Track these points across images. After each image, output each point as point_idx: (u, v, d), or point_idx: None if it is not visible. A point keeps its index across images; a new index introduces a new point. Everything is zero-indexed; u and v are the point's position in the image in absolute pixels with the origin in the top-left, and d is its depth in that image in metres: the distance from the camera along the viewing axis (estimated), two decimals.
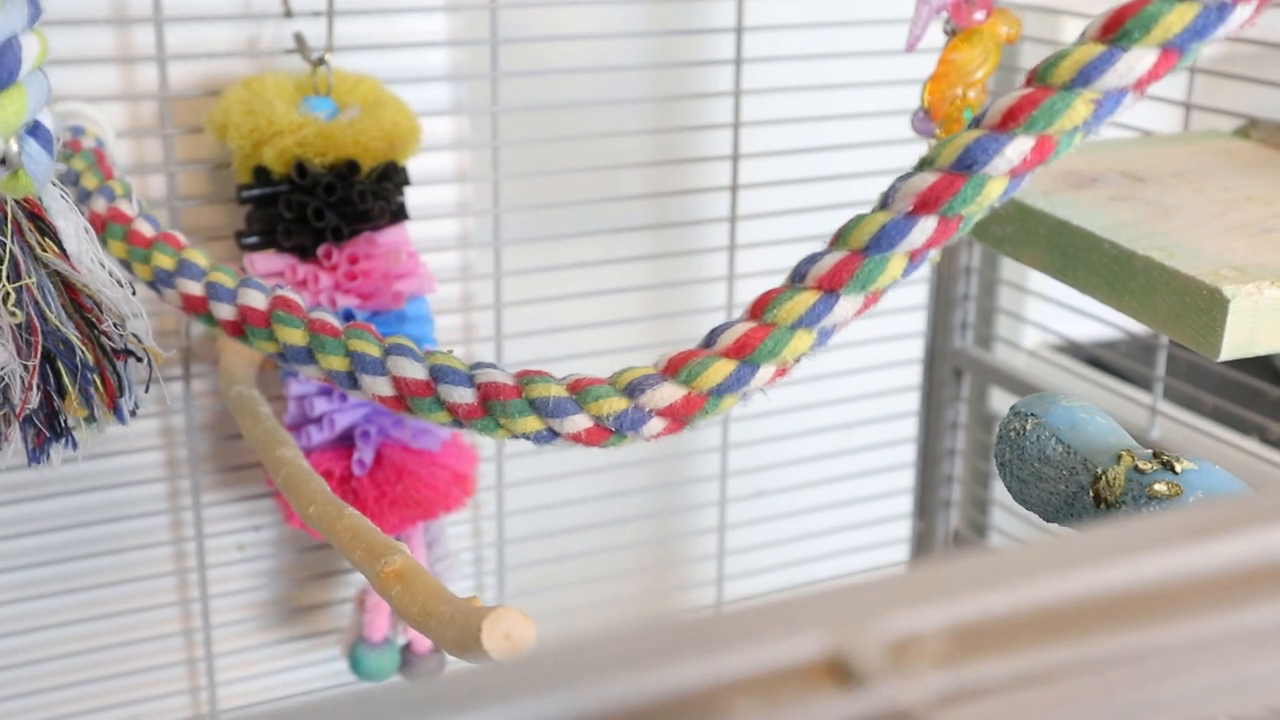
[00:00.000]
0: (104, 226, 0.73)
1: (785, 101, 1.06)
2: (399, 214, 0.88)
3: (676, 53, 1.06)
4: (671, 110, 1.07)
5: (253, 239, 0.86)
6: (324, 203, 0.84)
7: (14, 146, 0.51)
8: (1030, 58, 1.11)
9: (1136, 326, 1.14)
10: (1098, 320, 1.07)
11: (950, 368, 1.18)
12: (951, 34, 0.82)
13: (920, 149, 0.96)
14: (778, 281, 0.60)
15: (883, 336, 1.12)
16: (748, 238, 1.05)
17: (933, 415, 1.20)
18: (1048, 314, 1.18)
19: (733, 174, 1.03)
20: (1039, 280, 1.16)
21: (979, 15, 0.80)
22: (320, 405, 0.87)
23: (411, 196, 0.89)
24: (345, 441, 0.88)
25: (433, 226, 0.96)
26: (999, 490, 1.22)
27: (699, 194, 1.07)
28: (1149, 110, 0.79)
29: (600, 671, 0.24)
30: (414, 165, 0.89)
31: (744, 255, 1.05)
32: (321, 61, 0.87)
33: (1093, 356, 1.22)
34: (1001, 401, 1.21)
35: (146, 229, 0.73)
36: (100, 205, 0.75)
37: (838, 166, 1.06)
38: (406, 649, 0.95)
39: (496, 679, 0.24)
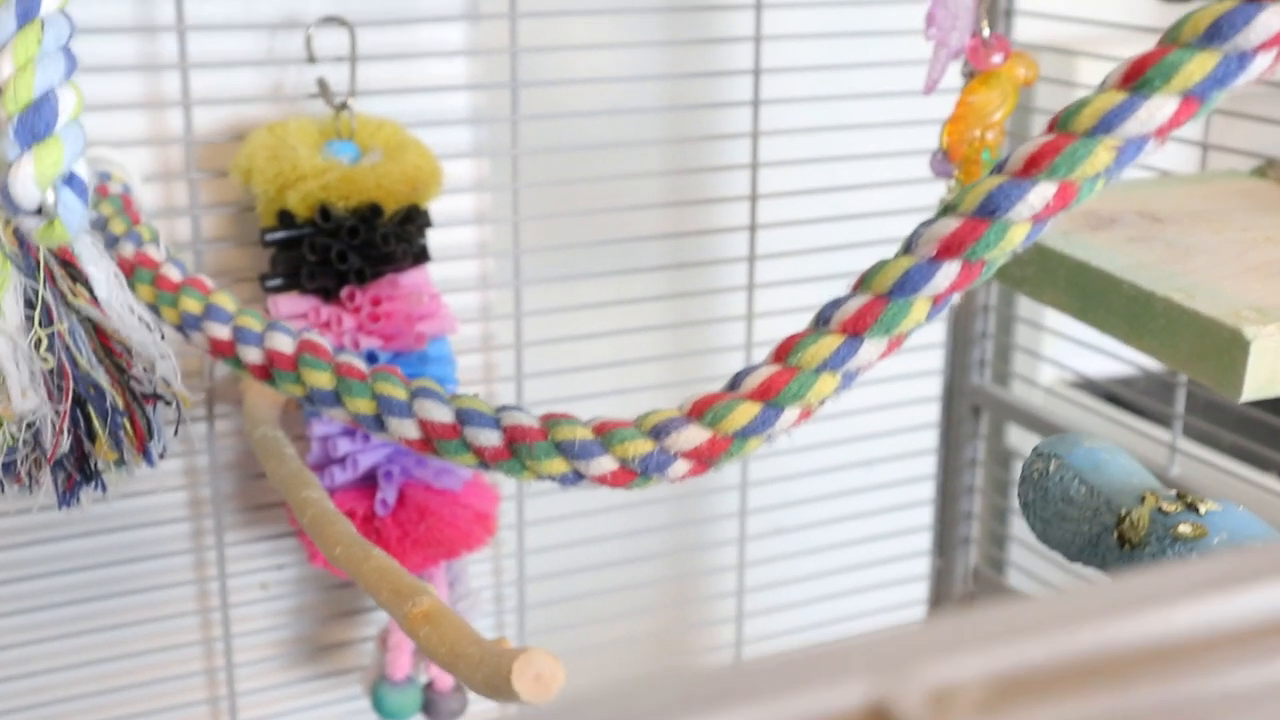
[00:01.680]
0: (132, 271, 0.74)
1: (803, 142, 1.07)
2: (421, 256, 0.88)
3: (694, 95, 1.07)
4: (690, 151, 1.08)
5: (277, 281, 0.87)
6: (347, 245, 0.85)
7: (50, 197, 0.52)
8: (1046, 99, 1.12)
9: (1153, 363, 1.14)
10: (1114, 358, 1.07)
11: (968, 405, 1.18)
12: (970, 76, 0.83)
13: (938, 189, 0.97)
14: (798, 320, 0.60)
15: (901, 374, 1.13)
16: (766, 277, 1.06)
17: (951, 452, 1.20)
18: (1065, 351, 1.19)
19: (751, 214, 1.04)
20: (1056, 318, 1.17)
21: (997, 58, 0.81)
22: (344, 446, 0.87)
23: (432, 238, 0.90)
24: (368, 481, 0.89)
25: (453, 267, 0.97)
26: (1018, 527, 1.22)
27: (717, 234, 1.08)
28: (1166, 150, 0.80)
29: (644, 718, 0.25)
30: (435, 207, 0.90)
31: (762, 294, 1.06)
32: (344, 106, 0.88)
33: (1110, 393, 1.22)
34: (1019, 438, 1.21)
35: (174, 273, 0.73)
36: (128, 250, 0.75)
37: (856, 206, 1.06)
38: (429, 688, 0.96)
39: None
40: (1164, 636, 0.27)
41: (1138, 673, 0.27)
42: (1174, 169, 0.97)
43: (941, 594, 1.24)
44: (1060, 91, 1.10)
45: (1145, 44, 0.51)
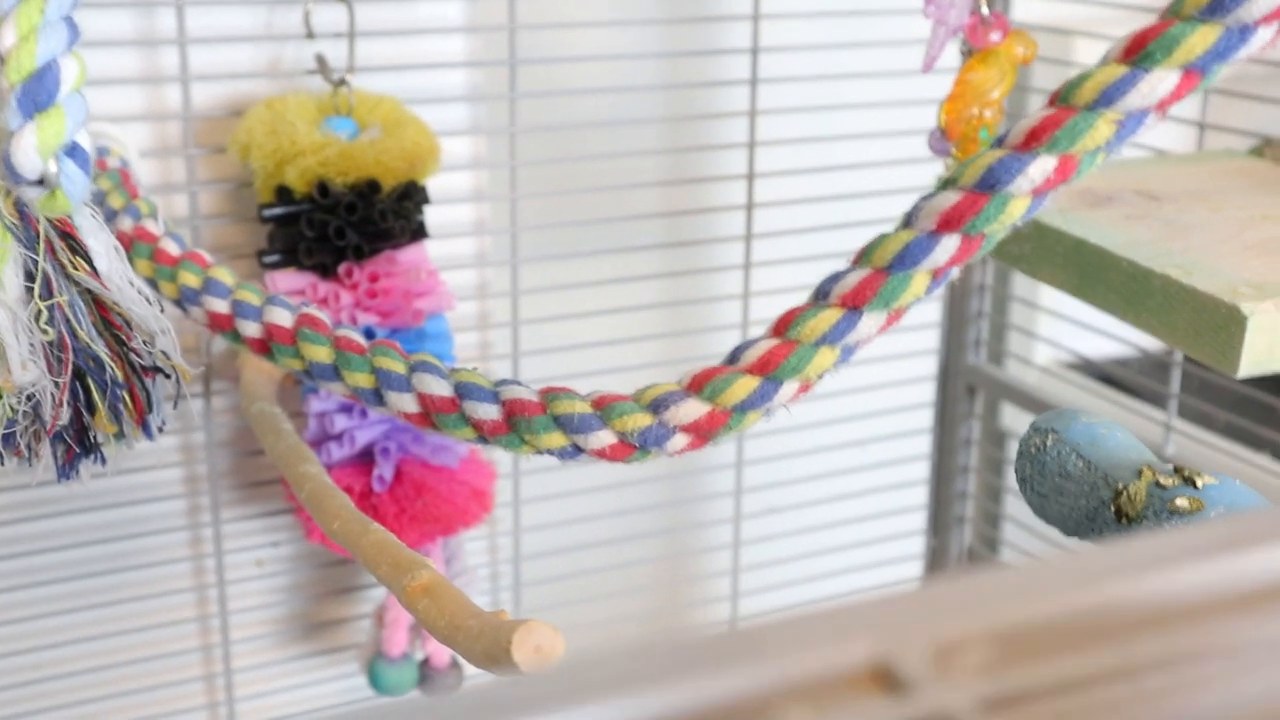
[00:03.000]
0: (130, 245, 0.74)
1: (800, 121, 1.07)
2: (419, 232, 0.88)
3: (692, 73, 1.07)
4: (687, 130, 1.08)
5: (274, 257, 0.87)
6: (345, 221, 0.85)
7: (52, 167, 0.52)
8: (1042, 78, 1.12)
9: (1149, 343, 1.15)
10: (1110, 337, 1.07)
11: (964, 384, 1.18)
12: (968, 55, 0.83)
13: (935, 168, 0.97)
14: (793, 299, 0.61)
15: (897, 354, 1.13)
16: (763, 256, 1.06)
17: (946, 432, 1.21)
18: (1060, 330, 1.19)
19: (748, 193, 1.04)
20: (1051, 297, 1.17)
21: (995, 36, 0.81)
22: (340, 422, 0.88)
23: (429, 215, 0.90)
24: (365, 458, 0.89)
25: (450, 245, 0.97)
26: (1012, 505, 1.22)
27: (714, 213, 1.08)
28: (1163, 129, 0.80)
29: (652, 681, 0.25)
30: (432, 184, 0.90)
31: (759, 273, 1.06)
32: (343, 82, 0.88)
33: (1105, 373, 1.22)
34: (1013, 418, 1.22)
35: (172, 247, 0.73)
36: (127, 224, 0.75)
37: (853, 185, 1.06)
38: (425, 664, 0.96)
39: (544, 689, 0.25)
40: (1163, 598, 0.27)
41: (1138, 632, 0.27)
42: (1171, 148, 0.97)
43: (936, 573, 1.24)
44: (1057, 71, 1.09)
45: (1143, 23, 0.51)
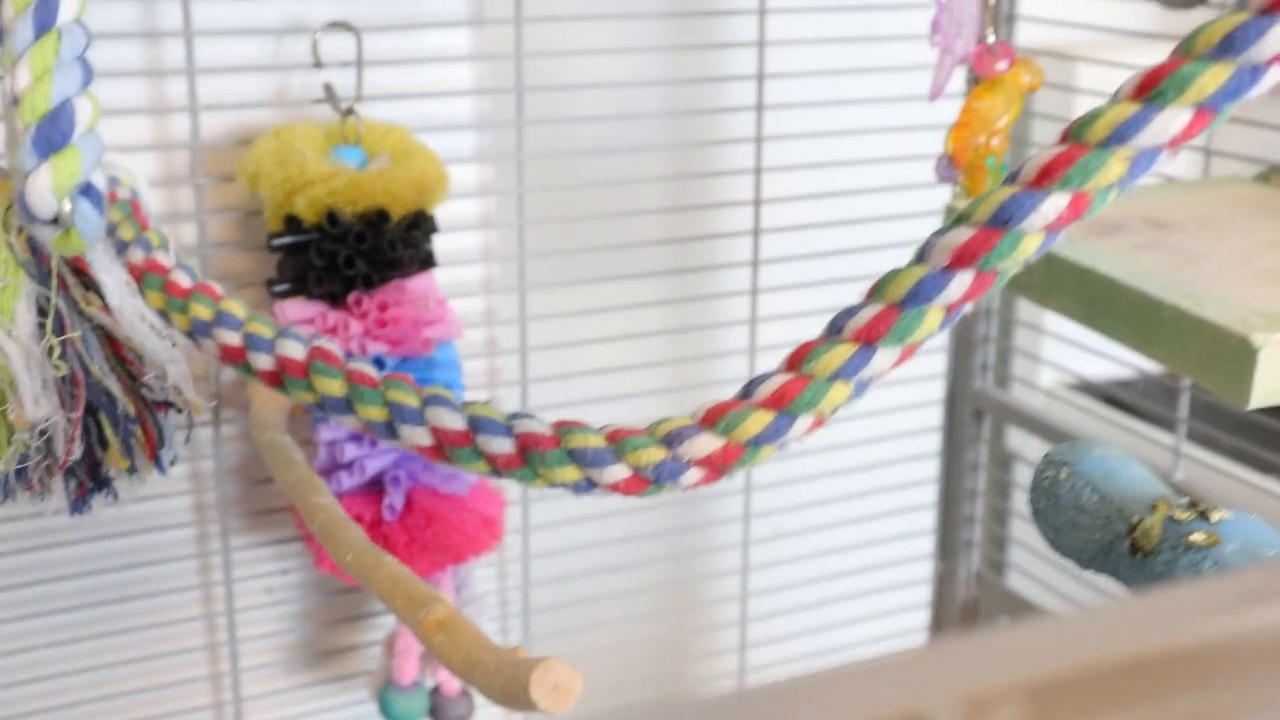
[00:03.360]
0: (141, 277, 0.74)
1: (806, 147, 1.07)
2: (427, 261, 0.89)
3: (698, 99, 1.07)
4: (694, 156, 1.08)
5: (283, 286, 0.87)
6: (354, 251, 0.85)
7: (67, 207, 0.53)
8: (1045, 104, 1.12)
9: (1154, 366, 1.15)
10: (1115, 360, 1.08)
11: (971, 409, 1.19)
12: (974, 83, 0.83)
13: (940, 194, 0.97)
14: (800, 325, 0.61)
15: (904, 379, 1.13)
16: (770, 282, 1.06)
17: (953, 456, 1.21)
18: (1065, 354, 1.19)
19: (755, 218, 1.04)
20: (1055, 320, 1.17)
21: (1001, 65, 0.81)
22: (351, 450, 0.88)
23: (437, 243, 0.90)
24: (375, 486, 0.89)
25: (458, 272, 0.97)
26: (1018, 529, 1.22)
27: (721, 239, 1.08)
28: None
29: None
30: (439, 211, 0.90)
31: (766, 299, 1.06)
32: (351, 111, 0.88)
33: (1110, 395, 1.22)
34: (1019, 441, 1.22)
35: (184, 279, 0.73)
36: (137, 256, 0.75)
37: (860, 211, 1.07)
38: (435, 692, 0.96)
39: None
40: (1199, 649, 0.27)
41: (1172, 686, 0.27)
42: (1177, 175, 0.97)
43: (944, 598, 1.24)
44: (1060, 97, 1.10)
45: (1145, 50, 0.51)
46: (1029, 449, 1.20)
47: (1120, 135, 0.49)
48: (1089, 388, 1.24)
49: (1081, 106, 0.73)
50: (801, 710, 0.25)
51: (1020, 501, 1.22)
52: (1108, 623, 0.28)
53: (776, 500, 1.14)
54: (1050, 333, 1.19)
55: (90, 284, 0.64)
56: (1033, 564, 1.20)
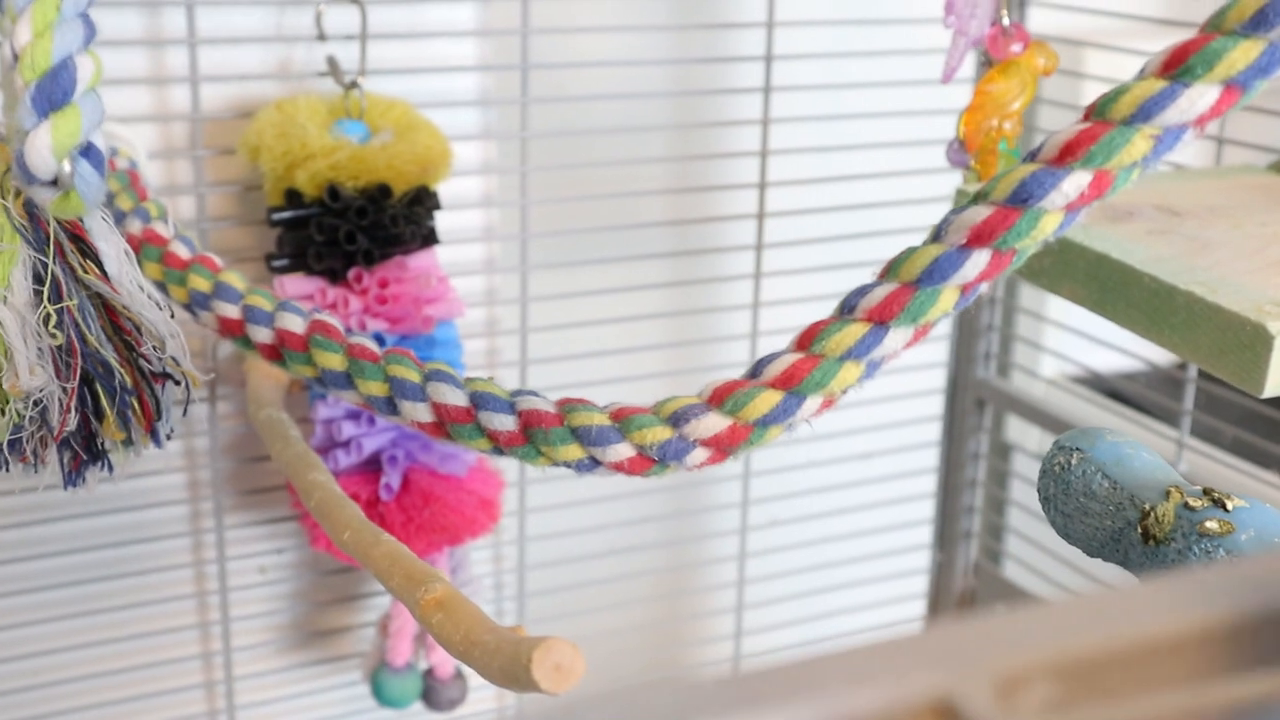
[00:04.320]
0: (139, 248, 0.73)
1: (813, 130, 1.06)
2: (429, 238, 0.87)
3: (705, 80, 1.06)
4: (699, 137, 1.07)
5: (283, 261, 0.86)
6: (355, 226, 0.84)
7: (66, 167, 0.51)
8: (1052, 89, 1.11)
9: (1156, 357, 1.14)
10: (1117, 350, 1.07)
11: (973, 398, 1.18)
12: (987, 66, 0.82)
13: (951, 179, 0.96)
14: (803, 309, 0.60)
15: (906, 366, 1.12)
16: (774, 265, 1.05)
17: (954, 446, 1.20)
18: (1067, 343, 1.18)
19: (759, 202, 1.03)
20: (1058, 309, 1.16)
21: (1016, 47, 0.80)
22: (348, 429, 0.86)
23: (439, 220, 0.89)
24: (372, 466, 0.88)
25: (459, 251, 0.96)
26: (1016, 519, 1.21)
27: (725, 221, 1.07)
28: (1181, 144, 0.79)
29: (710, 714, 0.24)
30: (442, 189, 0.89)
31: (770, 283, 1.05)
32: (354, 85, 0.87)
33: (1112, 387, 1.21)
34: (1019, 431, 1.21)
35: (183, 251, 0.72)
36: (136, 227, 0.74)
37: (866, 195, 1.06)
38: (429, 674, 0.95)
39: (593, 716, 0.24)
40: (1230, 631, 0.26)
41: (1202, 668, 0.26)
42: (1190, 163, 0.96)
43: (942, 587, 1.23)
44: (1068, 82, 1.09)
45: (1153, 36, 0.50)
46: (1028, 439, 1.20)
47: (1145, 112, 0.48)
48: (1091, 379, 1.23)
49: (1090, 93, 0.72)
50: (829, 689, 0.24)
51: (1019, 492, 1.21)
52: (1139, 603, 0.27)
53: (774, 487, 1.13)
54: (1053, 321, 1.18)
55: (88, 251, 0.62)
56: (1031, 554, 1.19)
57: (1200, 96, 0.47)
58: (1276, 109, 0.91)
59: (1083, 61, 1.12)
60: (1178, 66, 0.48)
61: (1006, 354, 1.20)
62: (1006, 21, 0.79)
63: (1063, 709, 0.25)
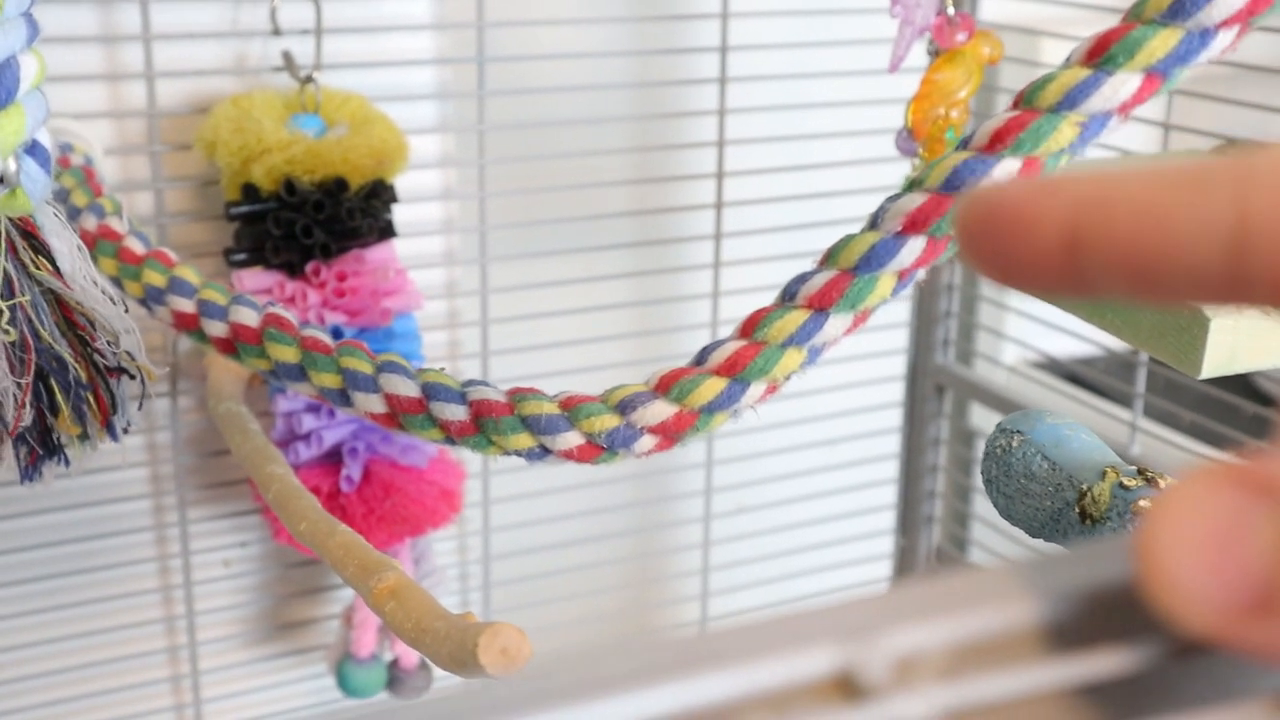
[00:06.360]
0: (94, 244, 0.73)
1: (769, 120, 1.07)
2: (387, 231, 0.88)
3: (661, 71, 1.06)
4: (657, 128, 1.08)
5: (241, 256, 0.87)
6: (312, 220, 0.85)
7: (12, 165, 0.52)
8: (1009, 78, 1.12)
9: (1114, 343, 1.15)
10: (1076, 337, 1.08)
11: (932, 384, 1.19)
12: (934, 55, 0.83)
13: (903, 168, 0.97)
14: (763, 298, 0.61)
15: (865, 353, 1.13)
16: (732, 255, 1.06)
17: (915, 432, 1.21)
18: (1027, 330, 1.19)
19: (717, 192, 1.04)
20: (1019, 296, 1.18)
21: (961, 36, 0.81)
22: (308, 422, 0.87)
23: (397, 213, 0.90)
24: (333, 458, 0.88)
25: (418, 244, 0.96)
26: (979, 505, 1.23)
27: (684, 211, 1.08)
28: (1129, 130, 0.80)
29: (610, 687, 0.25)
30: (400, 182, 0.89)
31: (729, 272, 1.06)
32: (309, 79, 0.88)
33: (1071, 372, 1.23)
34: (981, 417, 1.22)
35: (137, 246, 0.73)
36: (90, 223, 0.75)
37: (822, 184, 1.07)
38: (393, 665, 0.96)
39: (499, 696, 0.25)
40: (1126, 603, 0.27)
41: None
42: (1136, 149, 0.98)
43: (905, 572, 1.24)
44: (1025, 71, 1.10)
45: (1110, 24, 0.51)
46: (991, 425, 1.21)
47: (1071, 100, 0.49)
48: (1052, 365, 1.24)
49: None
50: (724, 663, 0.25)
51: (981, 478, 1.22)
52: (1038, 575, 0.27)
53: (738, 475, 1.14)
54: (1013, 309, 1.19)
55: (40, 248, 0.63)
56: (994, 540, 1.20)
57: (1123, 84, 0.48)
58: (1220, 95, 0.92)
59: (1039, 50, 1.13)
60: (1100, 55, 0.49)
61: (969, 341, 1.21)
62: (952, 10, 0.80)
63: (961, 679, 0.26)
